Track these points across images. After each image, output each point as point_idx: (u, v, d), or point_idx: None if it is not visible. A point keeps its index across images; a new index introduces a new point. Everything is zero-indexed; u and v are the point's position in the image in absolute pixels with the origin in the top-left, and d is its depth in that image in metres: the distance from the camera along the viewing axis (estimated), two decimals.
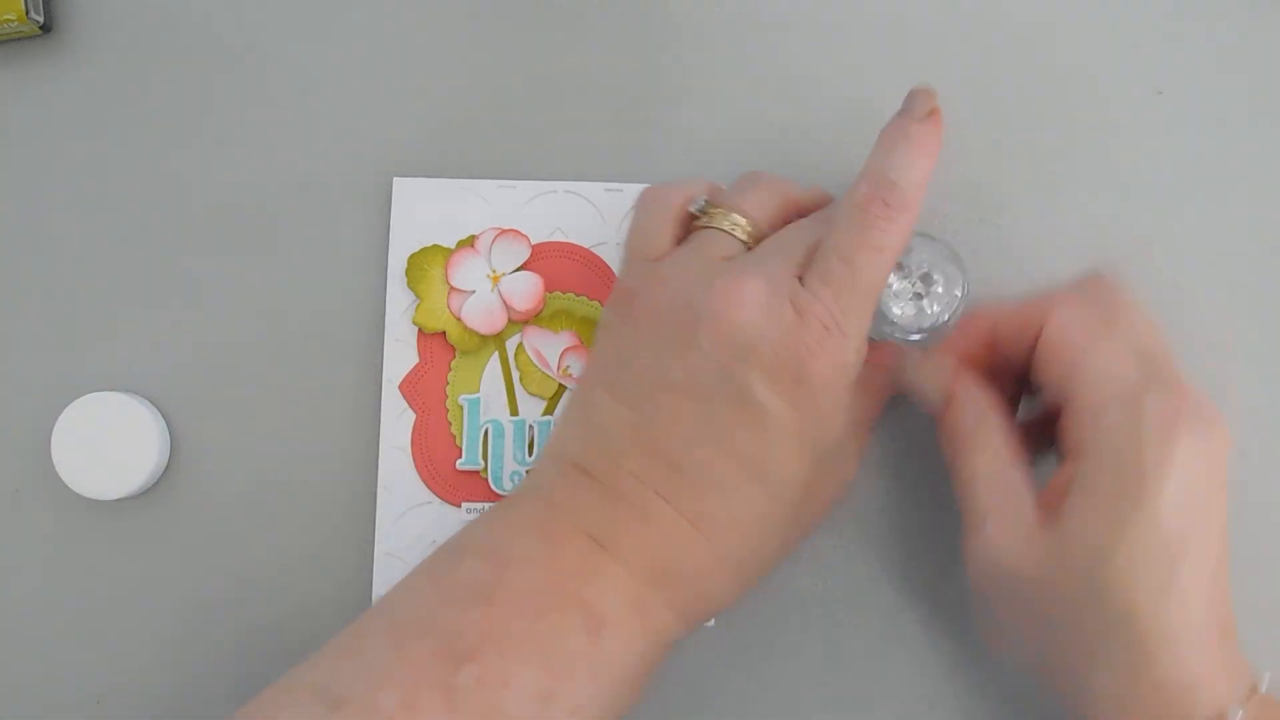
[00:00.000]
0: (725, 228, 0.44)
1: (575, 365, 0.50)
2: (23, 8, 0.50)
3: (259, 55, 0.53)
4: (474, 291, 0.50)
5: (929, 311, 0.48)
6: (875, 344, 0.43)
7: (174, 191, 0.53)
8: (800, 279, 0.42)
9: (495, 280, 0.50)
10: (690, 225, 0.46)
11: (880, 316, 0.48)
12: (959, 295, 0.48)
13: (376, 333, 0.51)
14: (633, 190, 0.51)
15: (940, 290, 0.48)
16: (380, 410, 0.50)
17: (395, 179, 0.51)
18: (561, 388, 0.50)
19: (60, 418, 0.50)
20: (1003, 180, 0.52)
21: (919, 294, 0.48)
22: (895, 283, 0.48)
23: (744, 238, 0.44)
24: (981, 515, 0.43)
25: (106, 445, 0.50)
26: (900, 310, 0.48)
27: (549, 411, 0.50)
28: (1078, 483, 0.40)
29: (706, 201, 0.45)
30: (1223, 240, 0.52)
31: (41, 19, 0.51)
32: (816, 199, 0.48)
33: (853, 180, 0.52)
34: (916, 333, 0.48)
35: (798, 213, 0.47)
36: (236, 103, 0.53)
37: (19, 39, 0.52)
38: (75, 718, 0.51)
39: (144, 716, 0.50)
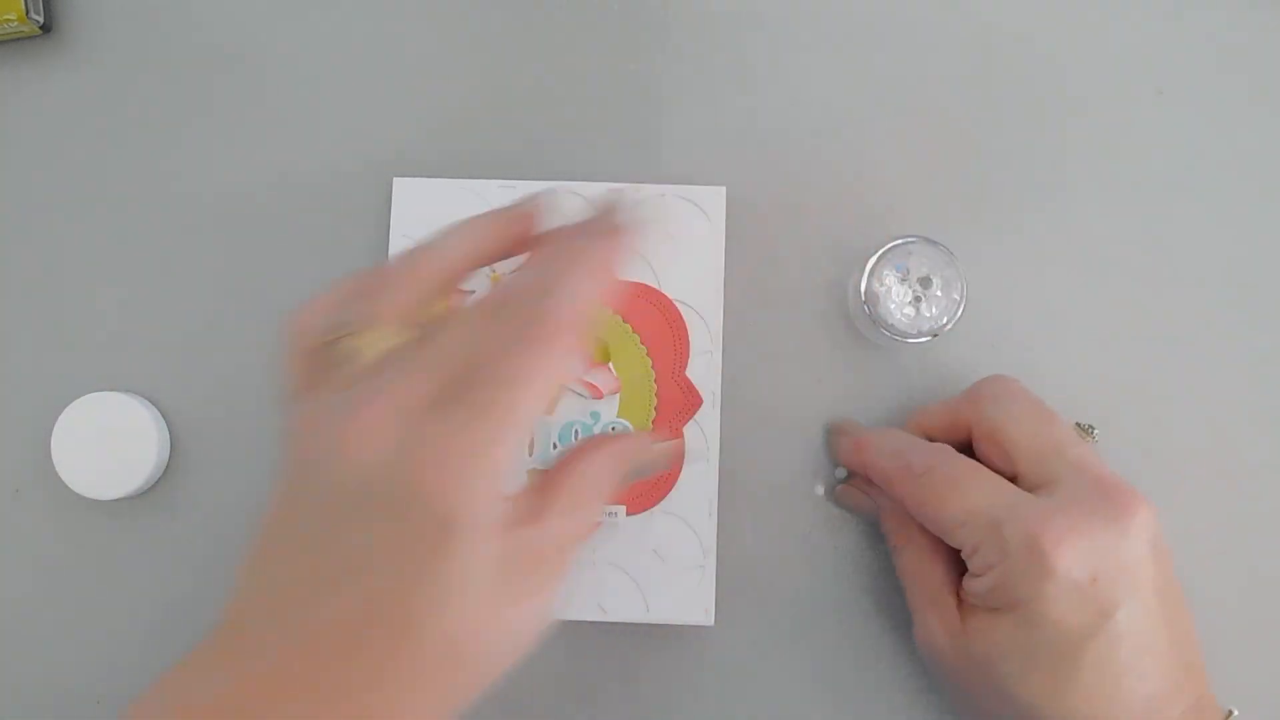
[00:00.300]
0: (364, 348, 0.37)
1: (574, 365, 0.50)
2: (23, 8, 0.50)
3: (259, 55, 0.53)
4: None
5: (928, 315, 0.48)
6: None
7: (174, 191, 0.53)
8: (442, 400, 0.34)
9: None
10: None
11: (880, 321, 0.48)
12: (957, 299, 0.48)
13: None
14: (633, 190, 0.51)
15: (939, 293, 0.48)
16: None
17: (395, 179, 0.51)
18: (560, 388, 0.50)
19: (60, 418, 0.50)
20: (1003, 180, 0.52)
21: (918, 297, 0.48)
22: (895, 287, 0.48)
23: (379, 353, 0.37)
24: (911, 606, 0.47)
25: (106, 445, 0.50)
26: (899, 314, 0.48)
27: (548, 411, 0.50)
28: (975, 598, 0.43)
29: (340, 323, 0.38)
30: (1223, 239, 0.52)
31: (41, 19, 0.51)
32: (492, 250, 0.41)
33: (852, 185, 0.52)
34: (916, 336, 0.48)
35: (462, 277, 0.40)
36: (236, 103, 0.53)
37: (19, 39, 0.52)
38: (75, 718, 0.51)
39: None
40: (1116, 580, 0.40)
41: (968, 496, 0.43)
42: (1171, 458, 0.51)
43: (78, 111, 0.53)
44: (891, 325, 0.48)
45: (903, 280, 0.48)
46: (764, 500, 0.51)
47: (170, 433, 0.51)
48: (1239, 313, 0.52)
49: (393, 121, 0.53)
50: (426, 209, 0.51)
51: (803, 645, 0.51)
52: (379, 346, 0.37)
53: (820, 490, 0.51)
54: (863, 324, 0.50)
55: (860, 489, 0.50)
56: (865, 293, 0.48)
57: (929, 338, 0.48)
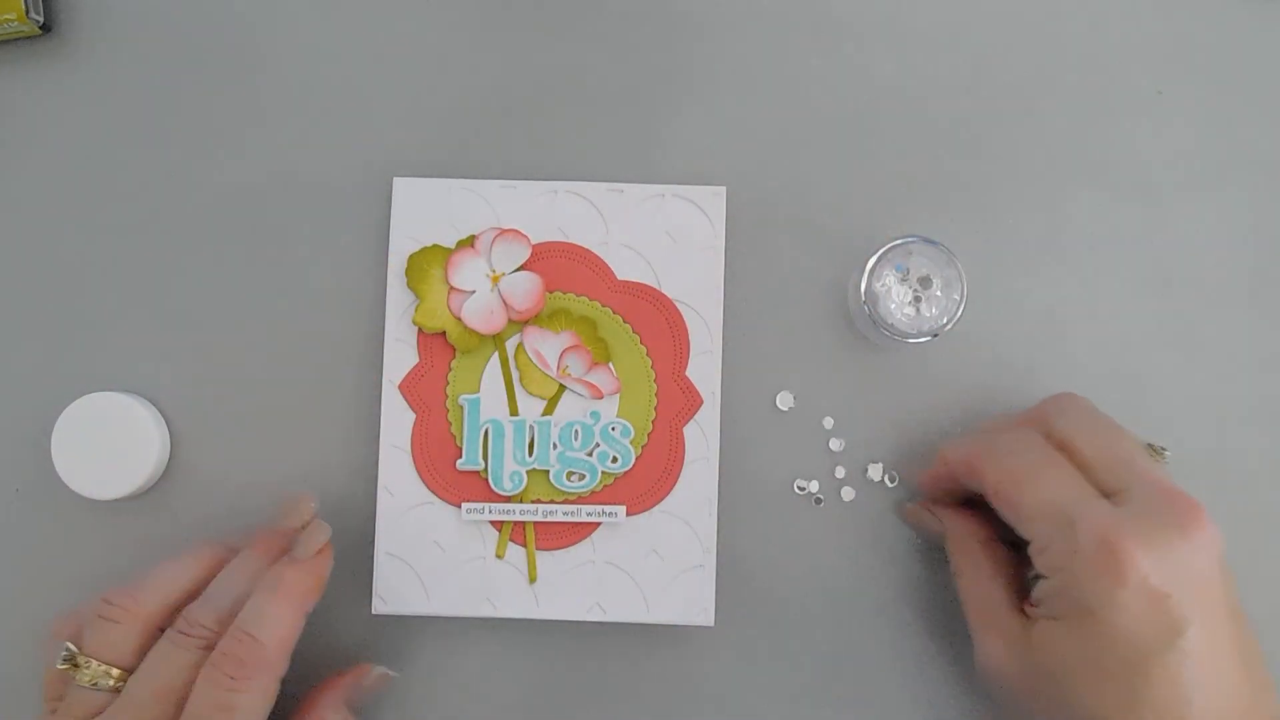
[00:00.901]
0: (88, 682, 0.43)
1: (574, 365, 0.50)
2: (23, 8, 0.50)
3: (259, 55, 0.53)
4: (474, 291, 0.50)
5: (928, 315, 0.48)
6: None
7: (173, 191, 0.53)
8: None
9: (495, 280, 0.50)
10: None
11: (880, 321, 0.48)
12: (957, 299, 0.48)
13: (376, 333, 0.51)
14: (633, 190, 0.51)
15: (939, 294, 0.48)
16: (380, 410, 0.50)
17: (395, 179, 0.51)
18: (561, 388, 0.50)
19: (60, 418, 0.50)
20: (1003, 180, 0.52)
21: (918, 297, 0.48)
22: (895, 287, 0.48)
23: (112, 685, 0.43)
24: (971, 627, 0.46)
25: (106, 445, 0.50)
26: (899, 314, 0.48)
27: (549, 411, 0.50)
28: (1041, 604, 0.42)
29: (70, 650, 0.44)
30: (1223, 240, 0.52)
31: (41, 19, 0.51)
32: (200, 582, 0.46)
33: (852, 185, 0.52)
34: (916, 336, 0.48)
35: (172, 611, 0.45)
36: (236, 102, 0.53)
37: (19, 39, 0.52)
38: None
39: None
40: (1189, 595, 0.39)
41: (1045, 487, 0.42)
42: (1172, 457, 0.51)
43: (78, 111, 0.53)
44: (891, 325, 0.48)
45: (903, 280, 0.48)
46: (764, 500, 0.51)
47: (170, 433, 0.51)
48: (1239, 313, 0.52)
49: (393, 121, 0.53)
50: (426, 209, 0.51)
51: (802, 645, 0.51)
52: (110, 676, 0.43)
53: (819, 499, 0.51)
54: (863, 324, 0.50)
55: (928, 509, 0.49)
56: (865, 293, 0.48)
57: (929, 338, 0.48)
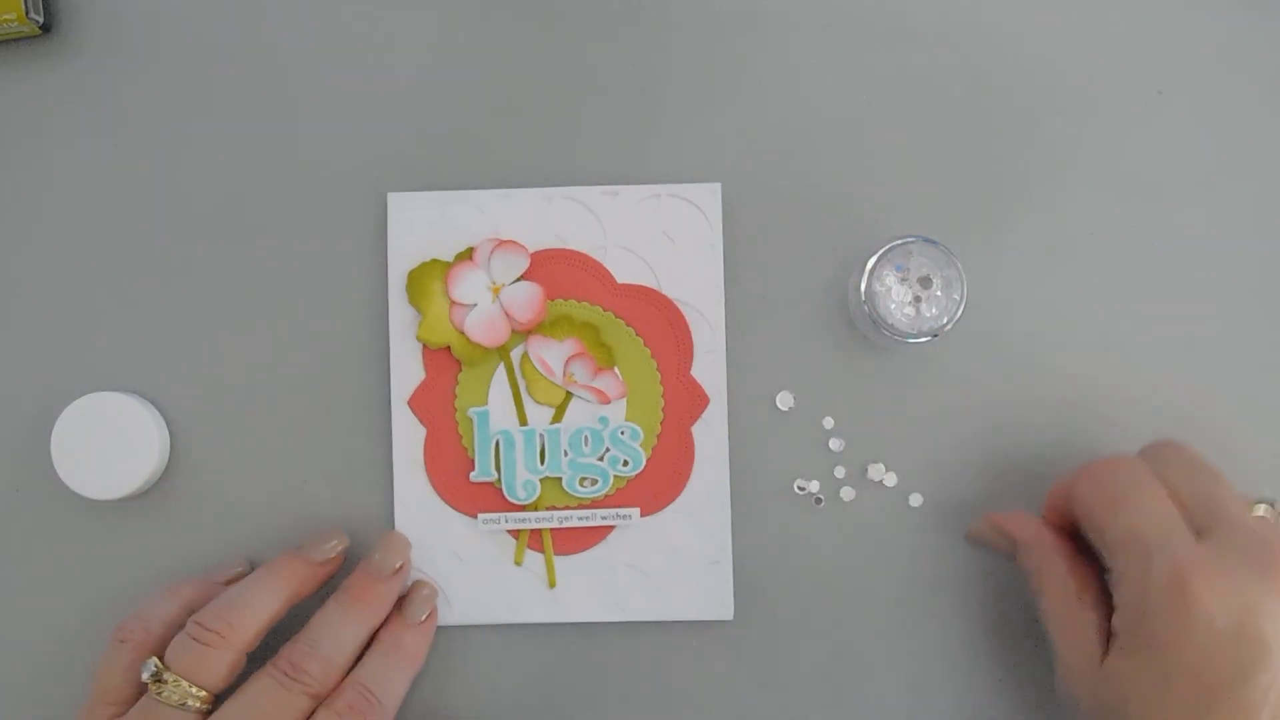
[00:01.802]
0: (175, 702, 0.44)
1: (580, 371, 0.50)
2: (23, 8, 0.50)
3: (258, 55, 0.53)
4: (475, 304, 0.50)
5: (928, 315, 0.48)
6: None
7: (173, 192, 0.52)
8: None
9: (496, 292, 0.50)
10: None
11: (880, 321, 0.48)
12: (957, 299, 0.48)
13: (382, 346, 0.51)
14: (629, 192, 0.51)
15: (939, 293, 0.48)
16: (391, 426, 0.50)
17: (390, 194, 0.51)
18: (568, 395, 0.50)
19: (60, 418, 0.50)
20: (1003, 180, 0.52)
21: (918, 297, 0.48)
22: (895, 287, 0.48)
23: (198, 706, 0.44)
24: (1054, 650, 0.45)
25: (106, 445, 0.50)
26: (899, 314, 0.48)
27: (557, 419, 0.50)
28: (1116, 636, 0.42)
29: (158, 666, 0.44)
30: (1223, 240, 0.52)
31: (41, 19, 0.51)
32: (298, 596, 0.48)
33: (852, 185, 0.52)
34: (916, 336, 0.48)
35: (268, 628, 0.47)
36: (236, 102, 0.53)
37: (19, 39, 0.52)
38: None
39: None
40: (1263, 636, 0.38)
41: (1135, 513, 0.42)
42: None
43: (77, 111, 0.53)
44: (891, 325, 0.48)
45: (903, 280, 0.48)
46: (764, 500, 0.51)
47: (170, 433, 0.51)
48: (1239, 313, 0.52)
49: (383, 135, 0.52)
50: (423, 223, 0.51)
51: (800, 645, 0.51)
52: (198, 699, 0.44)
53: (819, 499, 0.51)
54: (863, 324, 0.50)
55: (996, 525, 0.49)
56: (865, 293, 0.48)
57: (929, 338, 0.48)
